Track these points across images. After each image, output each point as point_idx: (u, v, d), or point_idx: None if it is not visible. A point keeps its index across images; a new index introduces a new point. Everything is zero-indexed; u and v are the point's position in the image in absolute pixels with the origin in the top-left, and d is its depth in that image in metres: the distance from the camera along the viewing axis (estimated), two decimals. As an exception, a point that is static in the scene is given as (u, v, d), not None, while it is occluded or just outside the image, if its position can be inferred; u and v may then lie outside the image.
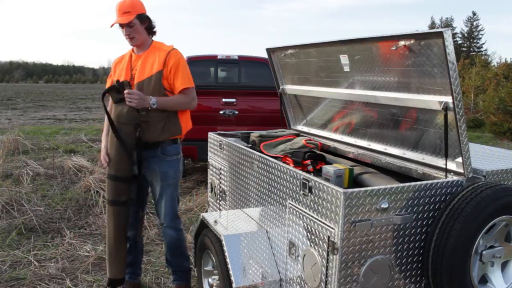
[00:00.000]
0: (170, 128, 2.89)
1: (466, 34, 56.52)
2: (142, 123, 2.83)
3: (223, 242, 2.43)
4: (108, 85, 2.95)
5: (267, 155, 2.84)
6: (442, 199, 1.97)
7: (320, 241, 1.91)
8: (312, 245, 1.97)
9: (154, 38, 2.98)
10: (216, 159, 3.29)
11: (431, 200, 1.95)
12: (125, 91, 2.71)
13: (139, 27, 2.83)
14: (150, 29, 2.91)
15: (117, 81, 2.79)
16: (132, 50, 2.97)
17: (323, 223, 1.88)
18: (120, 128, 2.73)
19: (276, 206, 2.33)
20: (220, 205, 3.23)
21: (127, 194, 2.82)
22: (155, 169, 2.92)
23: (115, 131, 2.73)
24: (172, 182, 2.96)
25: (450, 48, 1.94)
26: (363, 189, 1.79)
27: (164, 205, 2.97)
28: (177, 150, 2.97)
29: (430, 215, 1.95)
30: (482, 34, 57.28)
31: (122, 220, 2.83)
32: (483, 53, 51.70)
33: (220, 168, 3.19)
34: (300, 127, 3.69)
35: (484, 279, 2.08)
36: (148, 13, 2.88)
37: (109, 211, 2.84)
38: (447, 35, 1.92)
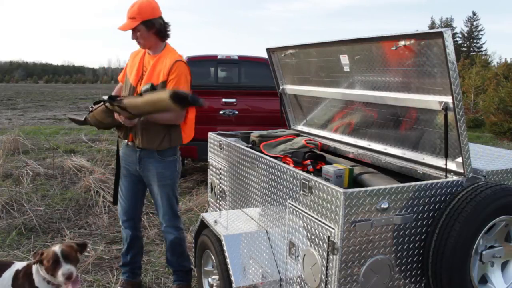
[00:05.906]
0: (171, 139, 2.88)
1: (466, 34, 56.54)
2: (143, 130, 2.84)
3: (223, 242, 2.44)
4: (123, 73, 3.08)
5: (267, 155, 2.84)
6: (442, 199, 1.97)
7: (320, 241, 1.91)
8: (312, 245, 1.97)
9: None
10: (216, 159, 3.29)
11: (431, 200, 1.95)
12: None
13: (144, 33, 2.78)
14: (160, 33, 2.84)
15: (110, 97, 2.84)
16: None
17: (323, 223, 1.88)
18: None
19: (276, 206, 2.33)
20: (220, 205, 3.23)
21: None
22: (151, 169, 2.92)
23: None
24: (169, 182, 2.96)
25: (450, 48, 1.94)
26: (363, 189, 1.79)
27: (162, 205, 2.97)
28: (174, 151, 2.96)
29: (430, 215, 1.95)
30: (482, 34, 57.39)
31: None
32: (483, 53, 51.72)
33: (220, 168, 3.19)
34: (300, 127, 3.69)
35: (484, 279, 2.08)
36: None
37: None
38: (447, 35, 1.92)
